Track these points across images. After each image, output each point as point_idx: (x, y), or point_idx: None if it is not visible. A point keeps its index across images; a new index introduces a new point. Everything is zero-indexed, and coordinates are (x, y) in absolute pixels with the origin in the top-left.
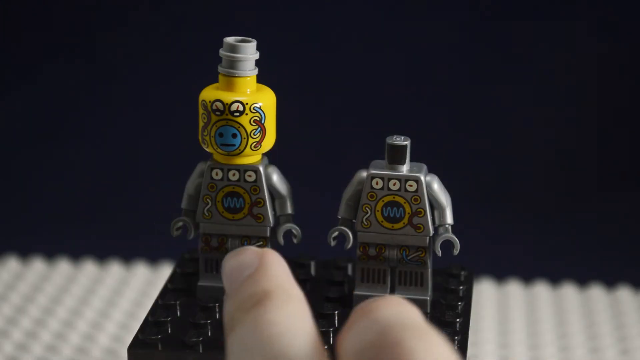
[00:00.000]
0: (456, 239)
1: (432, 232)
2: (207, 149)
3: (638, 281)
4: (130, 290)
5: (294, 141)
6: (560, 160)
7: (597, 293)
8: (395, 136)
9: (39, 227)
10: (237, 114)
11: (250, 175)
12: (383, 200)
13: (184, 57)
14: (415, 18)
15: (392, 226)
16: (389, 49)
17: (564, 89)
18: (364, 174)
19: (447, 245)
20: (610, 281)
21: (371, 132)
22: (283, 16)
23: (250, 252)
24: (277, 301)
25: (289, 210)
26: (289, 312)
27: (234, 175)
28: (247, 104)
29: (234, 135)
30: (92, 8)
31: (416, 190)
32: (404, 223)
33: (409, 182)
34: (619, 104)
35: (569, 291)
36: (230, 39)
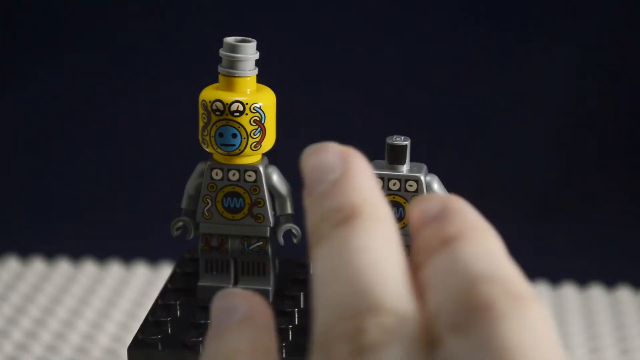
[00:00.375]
0: None
1: None
2: (207, 149)
3: (638, 281)
4: (130, 290)
5: (294, 141)
6: (560, 160)
7: (597, 293)
8: (395, 136)
9: (39, 227)
10: (237, 114)
11: (250, 175)
12: None
13: (184, 57)
14: (415, 18)
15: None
16: (390, 49)
17: (564, 89)
18: None
19: None
20: (610, 281)
21: (371, 132)
22: (283, 15)
23: (333, 151)
24: (366, 222)
25: (289, 210)
26: (379, 237)
27: (234, 175)
28: (247, 104)
29: (234, 135)
30: (92, 8)
31: (416, 190)
32: (404, 223)
33: (409, 182)
34: (619, 104)
35: (569, 291)
36: (230, 39)
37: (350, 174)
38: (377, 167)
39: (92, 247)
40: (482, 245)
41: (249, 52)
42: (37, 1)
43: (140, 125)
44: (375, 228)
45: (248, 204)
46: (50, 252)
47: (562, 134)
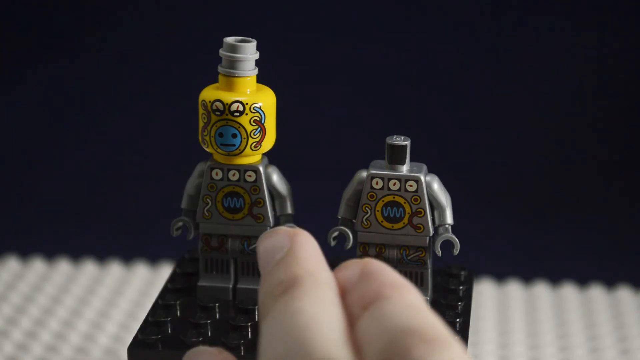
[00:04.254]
0: (456, 239)
1: (432, 232)
2: (207, 149)
3: (638, 281)
4: (130, 290)
5: (294, 141)
6: (560, 160)
7: (597, 293)
8: (395, 136)
9: (39, 227)
10: (237, 114)
11: (250, 175)
12: (383, 200)
13: (184, 57)
14: (416, 18)
15: (392, 226)
16: (390, 49)
17: (565, 89)
18: (364, 174)
19: (447, 245)
20: (610, 281)
21: (372, 132)
22: (283, 15)
23: (282, 233)
24: (305, 288)
25: (289, 210)
26: (316, 299)
27: (234, 175)
28: (247, 104)
29: (234, 135)
30: (92, 8)
31: (416, 190)
32: (404, 223)
33: (409, 182)
34: (619, 104)
35: (569, 291)
36: (230, 39)
37: (294, 250)
38: (377, 167)
39: (92, 247)
40: (400, 301)
41: (249, 52)
42: (37, 1)
43: (140, 125)
44: (313, 292)
45: (248, 204)
46: (50, 252)
47: (562, 133)
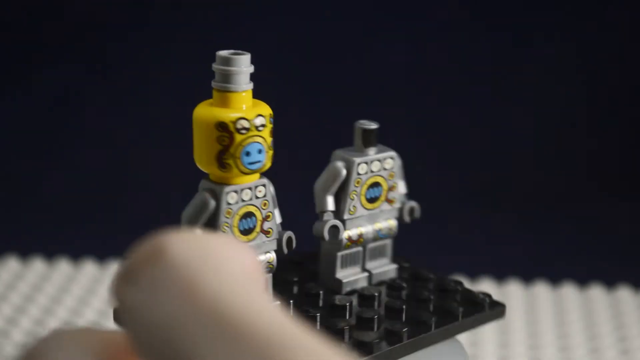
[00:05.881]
0: (416, 203)
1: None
2: (226, 173)
3: (638, 281)
4: None
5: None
6: (560, 160)
7: (597, 293)
8: (362, 121)
9: (39, 227)
10: (262, 128)
11: (260, 191)
12: (367, 184)
13: (184, 58)
14: (414, 15)
15: (373, 206)
16: (390, 48)
17: (565, 89)
18: (340, 163)
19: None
20: (610, 281)
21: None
22: (273, 20)
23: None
24: None
25: (280, 218)
26: None
27: (246, 194)
28: (266, 116)
29: (259, 151)
30: (92, 8)
31: (392, 167)
32: (380, 200)
33: (386, 160)
34: (619, 105)
35: (569, 291)
36: (224, 53)
37: None
38: (353, 154)
39: (92, 247)
40: None
41: (244, 64)
42: (38, 2)
43: (140, 126)
44: None
45: (260, 220)
46: (50, 252)
47: (562, 134)
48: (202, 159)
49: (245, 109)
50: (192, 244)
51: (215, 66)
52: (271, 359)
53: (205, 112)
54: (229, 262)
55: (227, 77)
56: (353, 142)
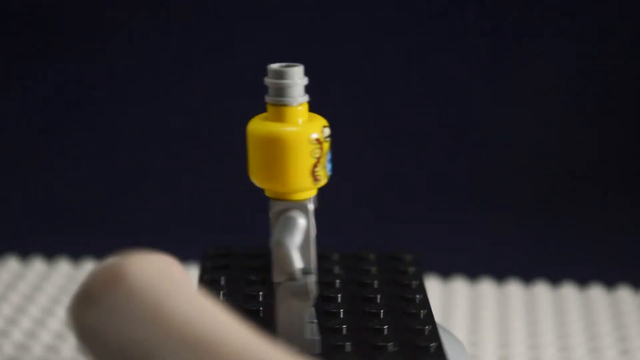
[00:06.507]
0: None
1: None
2: (317, 186)
3: (638, 281)
4: None
5: None
6: (560, 160)
7: (597, 293)
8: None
9: (39, 227)
10: (329, 138)
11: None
12: None
13: (184, 58)
14: (414, 16)
15: None
16: (389, 47)
17: (565, 88)
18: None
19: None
20: (610, 281)
21: (370, 133)
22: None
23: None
24: None
25: None
26: None
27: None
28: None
29: (331, 160)
30: (91, 8)
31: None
32: None
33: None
34: (619, 104)
35: (569, 291)
36: (275, 66)
37: None
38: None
39: (92, 247)
40: None
41: (297, 77)
42: (38, 1)
43: (140, 126)
44: None
45: None
46: (50, 252)
47: (562, 133)
48: (291, 176)
49: (302, 122)
50: (149, 266)
51: (267, 80)
52: None
53: (254, 125)
54: (183, 281)
55: (280, 91)
56: None
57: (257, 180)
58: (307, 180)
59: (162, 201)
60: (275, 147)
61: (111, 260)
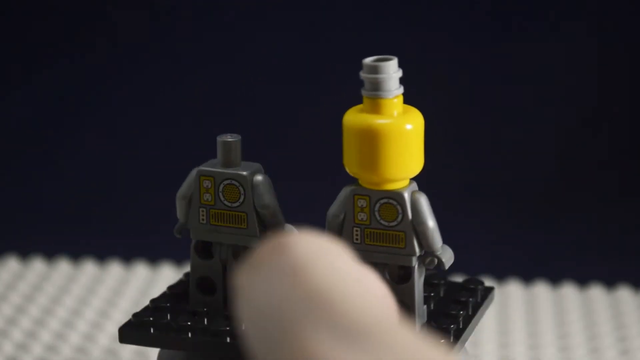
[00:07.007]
0: None
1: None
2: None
3: (638, 281)
4: (130, 290)
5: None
6: (560, 160)
7: (597, 293)
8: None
9: (39, 227)
10: None
11: None
12: None
13: (183, 58)
14: (414, 14)
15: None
16: (388, 47)
17: (565, 88)
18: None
19: None
20: (610, 281)
21: None
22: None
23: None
24: None
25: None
26: None
27: None
28: None
29: None
30: (92, 9)
31: None
32: None
33: None
34: (619, 104)
35: (569, 291)
36: (369, 60)
37: None
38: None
39: (92, 247)
40: None
41: (392, 70)
42: (39, 1)
43: (140, 125)
44: None
45: None
46: (50, 252)
47: (562, 132)
48: (403, 166)
49: (397, 114)
50: (313, 244)
51: (363, 74)
52: (371, 350)
53: (352, 116)
54: (343, 261)
55: (375, 85)
56: None
57: (352, 170)
58: (416, 170)
59: (162, 201)
60: (372, 139)
61: (280, 235)
